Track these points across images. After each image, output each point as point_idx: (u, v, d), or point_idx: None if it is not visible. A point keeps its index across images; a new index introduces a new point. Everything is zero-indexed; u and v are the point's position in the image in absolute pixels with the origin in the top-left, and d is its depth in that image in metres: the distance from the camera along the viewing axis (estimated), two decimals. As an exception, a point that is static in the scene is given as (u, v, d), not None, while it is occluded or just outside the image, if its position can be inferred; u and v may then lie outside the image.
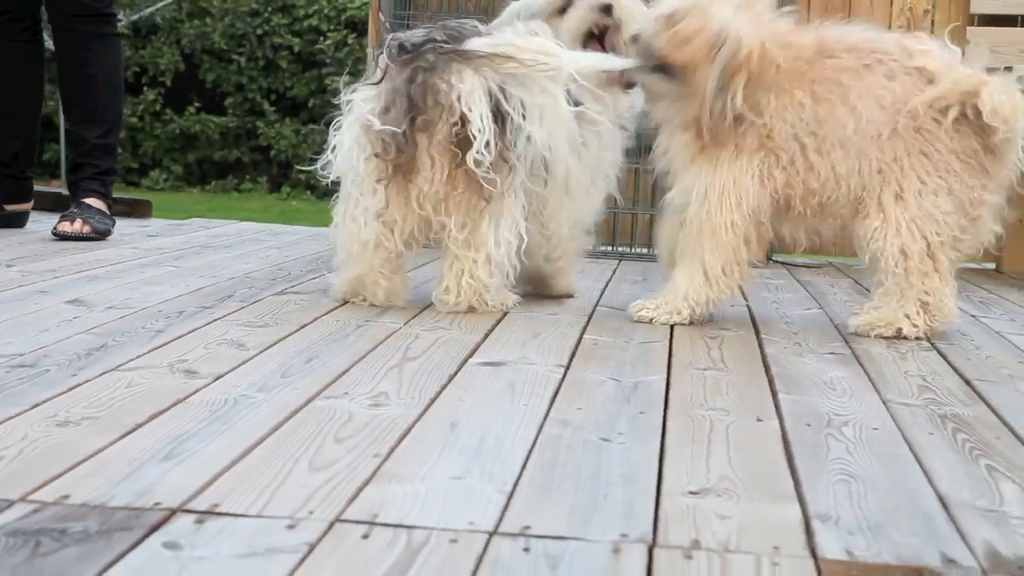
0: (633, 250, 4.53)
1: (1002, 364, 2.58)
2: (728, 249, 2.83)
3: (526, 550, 1.40)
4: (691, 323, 2.87)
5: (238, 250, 3.95)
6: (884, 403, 2.18)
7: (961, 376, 2.44)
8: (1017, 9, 4.44)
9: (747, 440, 1.90)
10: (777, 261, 4.44)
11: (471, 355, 2.42)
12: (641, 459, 1.77)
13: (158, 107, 15.38)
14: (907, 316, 2.81)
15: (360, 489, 1.57)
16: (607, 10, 3.04)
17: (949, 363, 2.56)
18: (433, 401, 2.04)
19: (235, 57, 15.38)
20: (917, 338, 2.80)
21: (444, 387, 2.14)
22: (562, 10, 3.06)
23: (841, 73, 2.83)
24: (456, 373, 2.25)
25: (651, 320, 2.89)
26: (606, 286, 3.58)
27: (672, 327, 2.84)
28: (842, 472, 1.75)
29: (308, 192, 12.81)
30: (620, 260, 4.34)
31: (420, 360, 2.35)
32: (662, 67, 2.83)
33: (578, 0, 3.05)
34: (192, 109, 15.47)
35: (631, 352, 2.54)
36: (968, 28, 4.45)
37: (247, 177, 14.07)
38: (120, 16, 15.32)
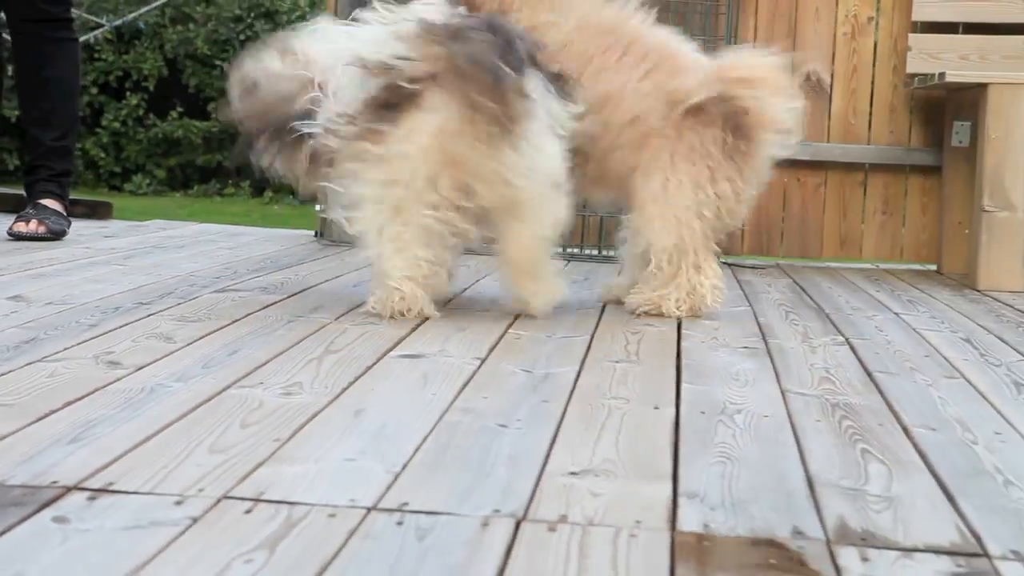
0: (584, 251, 4.62)
1: (907, 358, 2.67)
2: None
3: (399, 524, 1.49)
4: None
5: (190, 251, 4.04)
6: (782, 393, 2.27)
7: (864, 368, 2.53)
8: (957, 17, 4.54)
9: (639, 426, 1.98)
10: (724, 263, 4.53)
11: (392, 348, 2.51)
12: (532, 443, 1.85)
13: (141, 112, 15.46)
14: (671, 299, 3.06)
15: (253, 470, 1.65)
16: None
17: (857, 356, 2.66)
18: (344, 390, 2.12)
19: (218, 62, 15.48)
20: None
21: (358, 377, 2.23)
22: None
23: None
24: (373, 365, 2.34)
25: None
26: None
27: (597, 324, 2.94)
28: (721, 455, 1.84)
29: (290, 196, 12.89)
30: (569, 261, 4.43)
31: (341, 353, 2.44)
32: None
33: None
34: (175, 114, 15.54)
35: (550, 346, 2.63)
36: (910, 35, 4.55)
37: (230, 182, 14.15)
38: (103, 21, 15.44)
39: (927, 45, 4.51)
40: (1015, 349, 2.83)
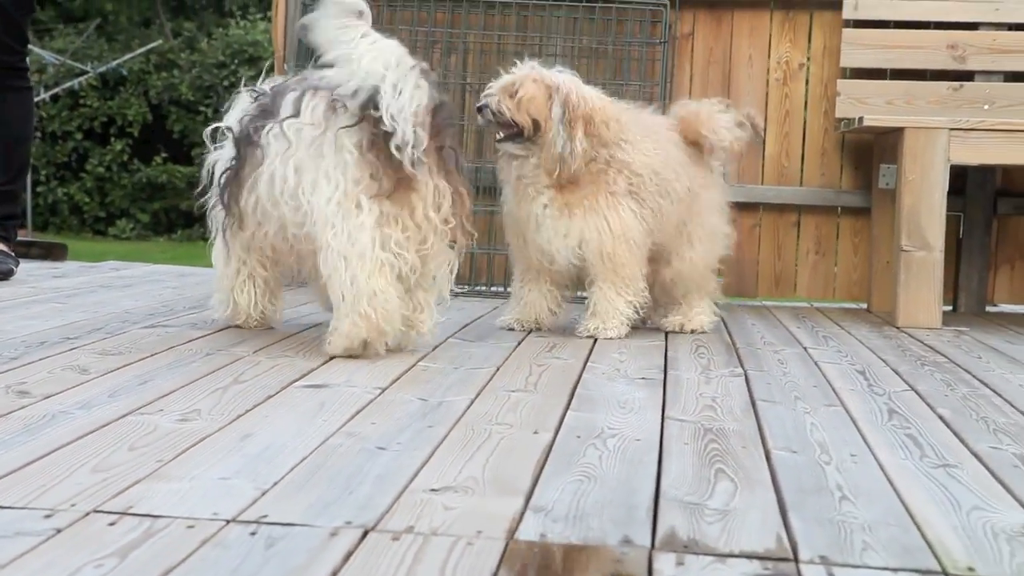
0: (491, 288, 4.74)
1: (796, 388, 2.79)
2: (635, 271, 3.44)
3: (252, 534, 1.60)
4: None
5: (134, 290, 4.16)
6: (663, 419, 2.39)
7: (751, 397, 2.65)
8: (884, 64, 4.69)
9: (512, 449, 2.10)
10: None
11: (299, 379, 2.62)
12: (404, 463, 1.97)
13: (126, 157, 15.65)
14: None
15: (129, 487, 1.77)
16: None
17: (748, 387, 2.78)
18: (240, 417, 2.24)
19: (203, 108, 15.67)
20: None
21: (257, 405, 2.34)
22: None
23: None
24: (275, 394, 2.46)
25: (608, 336, 3.47)
26: (474, 321, 3.80)
27: (508, 357, 3.06)
28: (582, 474, 1.95)
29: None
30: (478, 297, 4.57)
31: (248, 383, 2.55)
32: (513, 132, 3.37)
33: None
34: (159, 159, 15.72)
35: (454, 377, 2.75)
36: (839, 81, 4.70)
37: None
38: (88, 68, 15.61)
39: (855, 90, 4.66)
40: (904, 380, 2.95)
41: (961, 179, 4.70)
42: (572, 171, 3.33)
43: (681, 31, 4.82)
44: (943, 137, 4.03)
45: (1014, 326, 4.23)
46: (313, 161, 2.87)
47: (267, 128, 2.96)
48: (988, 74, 4.64)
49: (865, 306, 4.75)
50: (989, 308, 4.81)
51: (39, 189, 15.37)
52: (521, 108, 3.32)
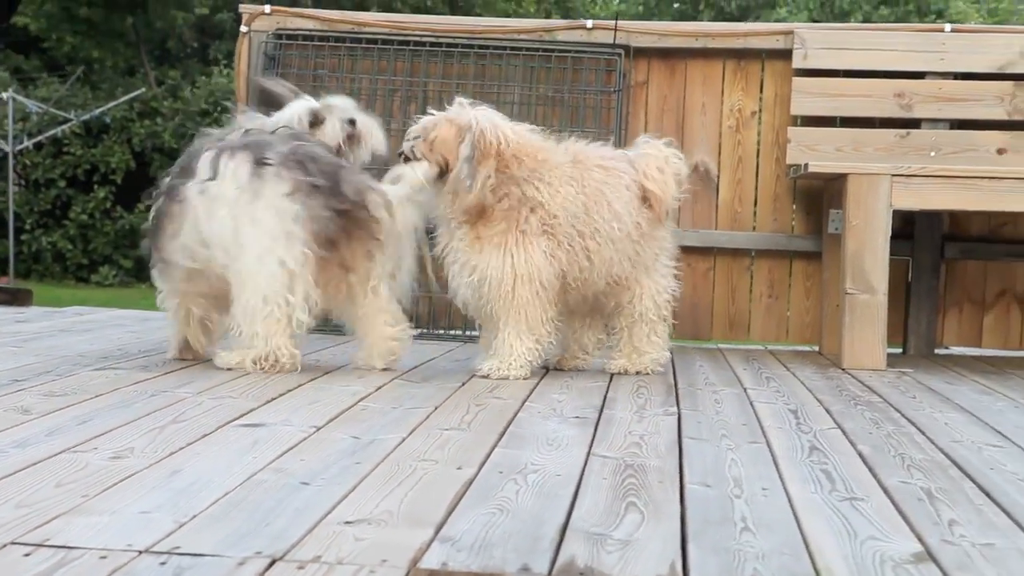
0: (431, 331, 4.82)
1: (725, 426, 2.86)
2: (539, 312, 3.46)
3: (162, 564, 1.66)
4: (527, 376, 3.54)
5: (93, 334, 4.23)
6: (587, 456, 2.45)
7: (679, 435, 2.72)
8: (833, 112, 4.80)
9: (433, 484, 2.16)
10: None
11: (237, 418, 2.69)
12: (325, 498, 2.03)
13: (108, 204, 15.70)
14: None
15: (50, 521, 1.82)
16: (352, 123, 3.71)
17: (679, 425, 2.85)
18: (172, 454, 2.30)
19: (186, 156, 15.78)
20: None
21: (191, 443, 2.41)
22: (315, 124, 3.67)
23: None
24: (211, 433, 2.52)
25: (506, 376, 3.51)
26: (425, 363, 3.87)
27: (449, 397, 3.13)
28: (496, 507, 2.02)
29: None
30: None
31: (186, 422, 2.62)
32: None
33: (329, 116, 3.68)
34: (142, 206, 15.77)
35: (392, 416, 2.81)
36: (789, 128, 4.81)
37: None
38: (71, 116, 15.71)
39: (805, 137, 4.76)
40: (834, 419, 3.02)
41: (909, 224, 4.80)
42: (469, 205, 3.42)
43: (636, 79, 4.93)
44: (885, 183, 4.13)
45: (958, 368, 4.31)
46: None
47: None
48: (934, 122, 4.75)
49: (817, 348, 4.83)
50: (939, 351, 4.90)
51: (23, 237, 15.41)
52: (434, 150, 3.44)
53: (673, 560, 1.76)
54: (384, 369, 3.59)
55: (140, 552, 1.69)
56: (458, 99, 3.56)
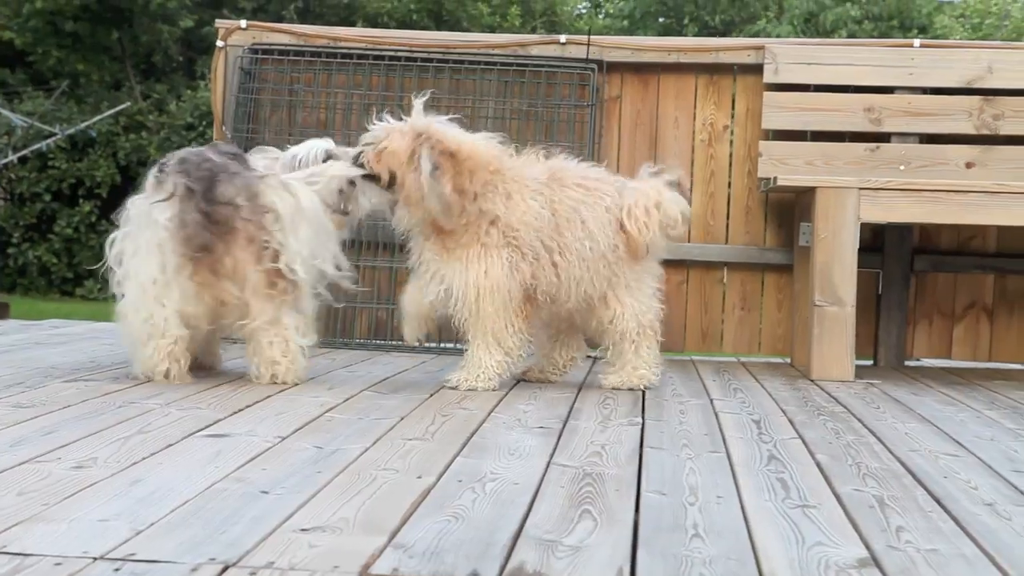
0: (389, 342, 4.84)
1: (687, 436, 2.90)
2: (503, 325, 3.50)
3: (116, 570, 1.68)
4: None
5: (68, 347, 4.25)
6: (547, 465, 2.48)
7: (641, 445, 2.75)
8: (803, 126, 4.85)
9: (391, 493, 2.19)
10: (590, 356, 4.76)
11: (203, 429, 2.71)
12: (283, 506, 2.06)
13: (94, 218, 15.69)
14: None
15: (8, 528, 1.85)
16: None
17: (641, 435, 2.88)
18: (135, 464, 2.33)
19: (171, 171, 15.80)
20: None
21: (155, 454, 2.43)
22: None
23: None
24: (176, 443, 2.55)
25: (474, 388, 3.54)
26: (396, 375, 3.90)
27: (416, 407, 3.16)
28: (452, 515, 2.05)
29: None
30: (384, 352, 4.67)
31: (152, 433, 2.64)
32: (373, 177, 3.53)
33: (343, 156, 3.71)
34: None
35: (357, 426, 2.84)
36: (761, 142, 4.86)
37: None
38: (57, 130, 15.71)
39: (776, 151, 4.81)
40: (796, 429, 3.06)
41: (879, 237, 4.85)
42: (443, 217, 3.43)
43: (609, 94, 4.97)
44: (853, 196, 4.18)
45: (926, 379, 4.35)
46: None
47: None
48: (903, 136, 4.80)
49: (789, 360, 4.87)
50: (910, 362, 4.94)
51: (8, 251, 15.41)
52: (381, 161, 3.46)
53: (621, 565, 1.79)
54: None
55: (95, 559, 1.72)
56: (416, 104, 3.52)
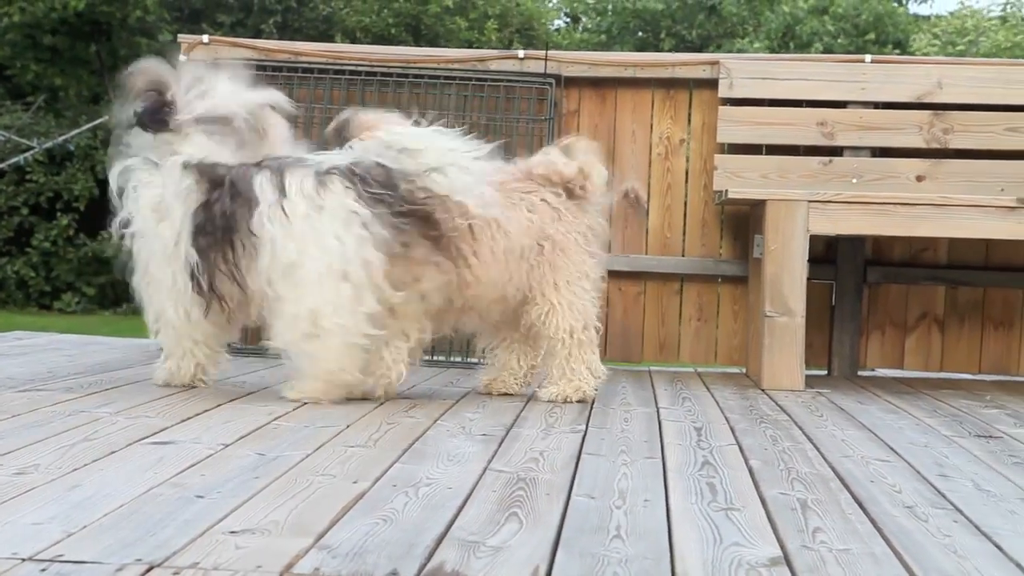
0: None
1: (626, 442, 2.96)
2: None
3: (43, 571, 1.73)
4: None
5: (27, 358, 4.29)
6: (484, 471, 2.54)
7: (579, 451, 2.81)
8: (758, 139, 4.93)
9: (325, 497, 2.24)
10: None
11: (148, 436, 2.76)
12: (216, 510, 2.10)
13: (71, 232, 15.70)
14: None
15: (-60, 530, 1.90)
16: None
17: (582, 442, 2.94)
18: (76, 470, 2.37)
19: (149, 184, 15.82)
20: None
21: (97, 460, 2.48)
22: None
23: None
24: (120, 450, 2.59)
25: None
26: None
27: (365, 415, 3.21)
28: (382, 518, 2.10)
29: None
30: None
31: (96, 441, 2.69)
32: None
33: None
34: (106, 233, 15.75)
35: (303, 433, 2.89)
36: (716, 155, 4.93)
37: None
38: (34, 144, 15.71)
39: (731, 165, 4.88)
40: (735, 435, 3.12)
41: (833, 249, 4.92)
42: None
43: (567, 108, 5.04)
44: (803, 209, 4.25)
45: (875, 388, 4.42)
46: None
47: None
48: (856, 149, 4.88)
49: (744, 370, 4.94)
50: (865, 372, 5.01)
51: (-13, 264, 15.41)
52: None
53: (538, 564, 1.84)
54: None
55: (23, 560, 1.77)
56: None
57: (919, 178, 4.82)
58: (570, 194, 3.77)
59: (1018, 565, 1.94)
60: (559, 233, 3.69)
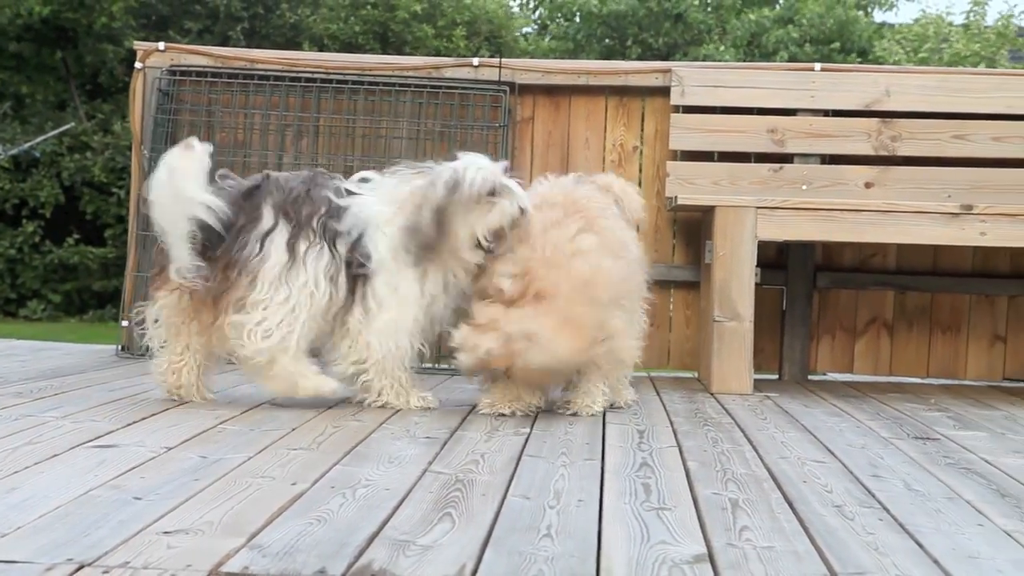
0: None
1: (567, 444, 2.99)
2: None
3: (-27, 569, 1.76)
4: None
5: (-21, 363, 4.30)
6: (423, 472, 2.57)
7: (520, 453, 2.84)
8: (710, 147, 4.98)
9: (262, 498, 2.27)
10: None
11: (92, 440, 2.78)
12: (152, 511, 2.13)
13: (37, 239, 15.62)
14: None
15: None
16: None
17: (524, 444, 2.97)
18: (16, 473, 2.39)
19: (115, 190, 15.77)
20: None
21: (39, 463, 2.50)
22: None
23: None
24: (61, 453, 2.61)
25: None
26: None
27: (312, 418, 3.24)
28: (316, 518, 2.13)
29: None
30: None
31: (40, 444, 2.70)
32: None
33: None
34: (72, 240, 15.73)
35: (248, 436, 2.92)
36: (668, 162, 4.98)
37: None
38: (0, 150, 15.64)
39: (683, 171, 4.94)
40: (677, 438, 3.17)
41: (784, 255, 4.98)
42: None
43: (522, 115, 5.08)
44: (751, 215, 4.31)
45: (823, 392, 4.48)
46: None
47: None
48: (806, 156, 4.95)
49: (696, 375, 4.99)
50: (816, 376, 5.07)
51: (-48, 272, 15.33)
52: None
53: (465, 562, 1.88)
54: None
55: (-47, 560, 1.79)
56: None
57: (868, 185, 4.89)
58: None
59: (936, 561, 1.99)
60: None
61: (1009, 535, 2.19)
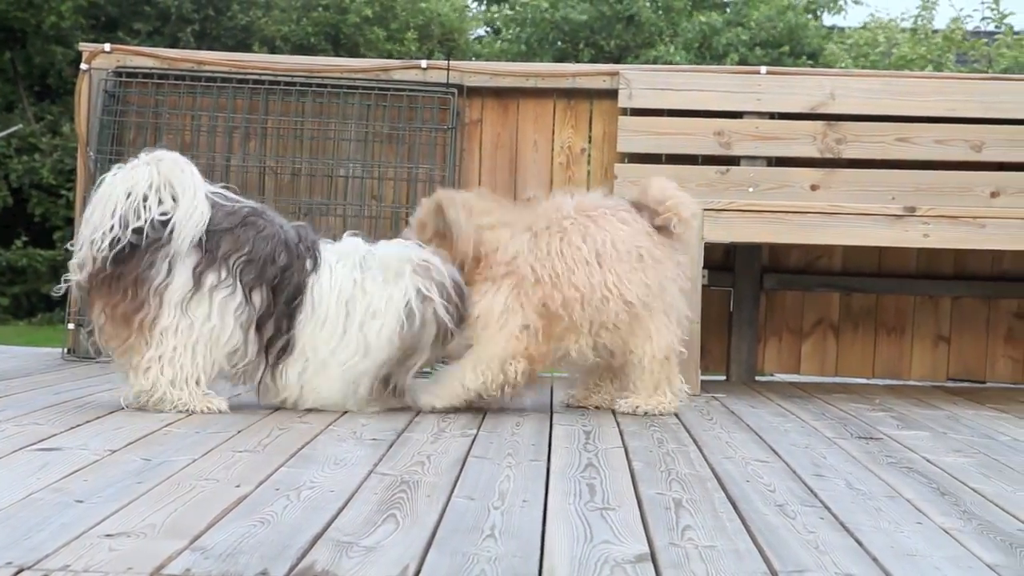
0: None
1: (513, 446, 3.01)
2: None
3: (-91, 575, 1.74)
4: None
5: (-78, 367, 4.25)
6: (369, 474, 2.57)
7: (466, 454, 2.85)
8: (657, 149, 5.02)
9: (206, 500, 2.26)
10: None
11: (36, 443, 2.76)
12: (94, 514, 2.11)
13: (-15, 241, 15.45)
14: None
15: None
16: None
17: (471, 445, 2.98)
18: (-43, 477, 2.37)
19: (64, 192, 15.62)
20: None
21: (-19, 467, 2.48)
22: None
23: None
24: (3, 456, 2.59)
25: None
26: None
27: (261, 419, 3.23)
28: (260, 520, 2.12)
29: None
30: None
31: (-16, 448, 2.69)
32: None
33: None
34: (20, 243, 15.56)
35: (192, 439, 2.91)
36: (616, 165, 5.01)
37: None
38: (-51, 153, 15.41)
39: (631, 173, 4.96)
40: (623, 438, 3.19)
41: (731, 256, 5.02)
42: None
43: (470, 117, 5.09)
44: (698, 217, 4.33)
45: (769, 393, 4.51)
46: None
47: None
48: (752, 159, 4.99)
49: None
50: (763, 378, 5.12)
51: (-102, 275, 15.10)
52: None
53: (408, 563, 1.88)
54: None
55: None
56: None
57: (813, 187, 4.94)
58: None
59: (874, 559, 2.01)
60: None
61: (947, 532, 2.22)
